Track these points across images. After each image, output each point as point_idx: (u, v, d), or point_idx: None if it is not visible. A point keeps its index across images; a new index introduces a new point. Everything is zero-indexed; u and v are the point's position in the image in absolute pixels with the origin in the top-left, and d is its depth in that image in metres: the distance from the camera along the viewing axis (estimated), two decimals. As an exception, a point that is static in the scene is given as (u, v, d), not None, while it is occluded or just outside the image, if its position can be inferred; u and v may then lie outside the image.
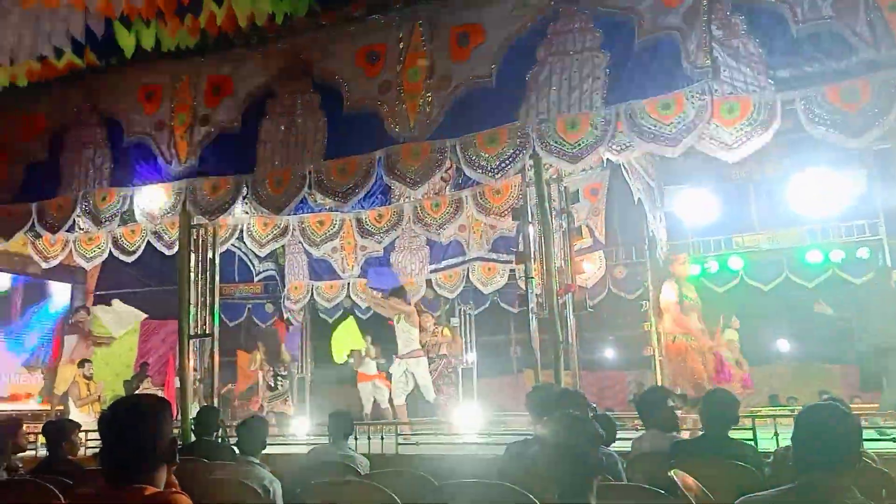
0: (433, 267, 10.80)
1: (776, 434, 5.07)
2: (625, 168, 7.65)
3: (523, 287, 6.62)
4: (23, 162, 7.26)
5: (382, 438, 6.08)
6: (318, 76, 6.26)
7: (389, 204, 9.09)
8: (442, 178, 7.78)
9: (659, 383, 8.14)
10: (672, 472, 2.94)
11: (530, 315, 5.84)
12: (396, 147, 5.87)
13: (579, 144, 5.33)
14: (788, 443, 2.46)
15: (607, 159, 7.05)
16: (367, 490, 3.31)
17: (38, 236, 8.42)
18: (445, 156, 5.77)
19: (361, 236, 9.54)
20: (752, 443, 4.77)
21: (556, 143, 5.39)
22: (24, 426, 5.10)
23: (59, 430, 4.62)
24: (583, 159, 5.45)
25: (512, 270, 10.14)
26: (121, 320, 11.81)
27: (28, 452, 5.80)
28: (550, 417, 2.34)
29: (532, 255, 5.90)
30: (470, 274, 10.69)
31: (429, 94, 5.82)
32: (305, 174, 6.16)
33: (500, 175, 5.68)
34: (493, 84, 5.63)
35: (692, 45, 5.01)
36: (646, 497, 2.97)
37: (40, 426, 5.87)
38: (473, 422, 7.81)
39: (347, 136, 6.07)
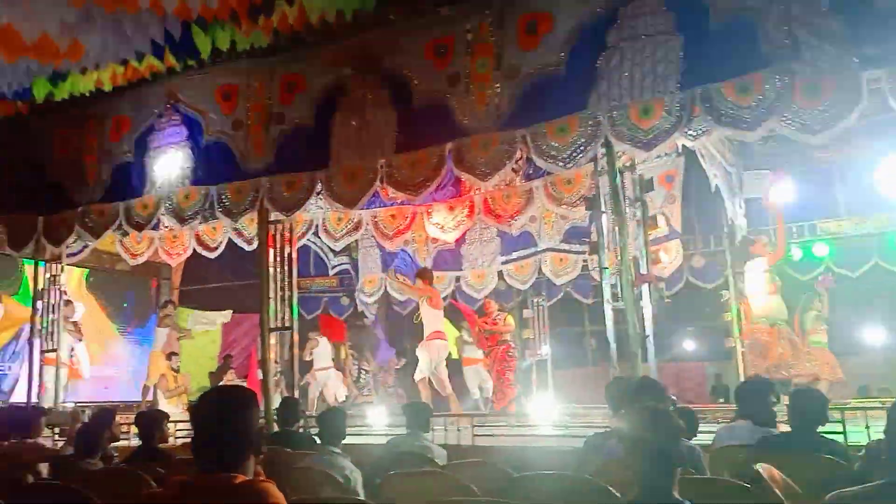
0: (504, 258, 10.77)
1: (867, 427, 4.86)
2: (701, 154, 7.45)
3: (597, 278, 6.53)
4: (111, 163, 7.60)
5: (458, 430, 6.12)
6: (388, 70, 6.32)
7: (460, 196, 9.12)
8: (512, 168, 7.73)
9: (741, 375, 7.91)
10: (757, 465, 2.86)
11: (605, 306, 5.75)
12: (466, 139, 5.88)
13: (653, 131, 5.23)
14: (881, 436, 2.35)
15: (682, 145, 6.88)
16: (445, 480, 3.34)
17: (126, 234, 8.82)
18: (515, 146, 5.74)
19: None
20: (841, 436, 4.58)
21: (628, 129, 5.29)
22: (117, 417, 5.35)
23: (151, 421, 4.79)
24: (657, 146, 5.33)
25: (585, 261, 10.02)
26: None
27: (121, 442, 6.08)
28: (629, 410, 2.31)
29: (606, 245, 5.81)
30: (542, 265, 10.62)
31: (497, 85, 5.80)
32: (377, 168, 6.24)
33: (571, 164, 5.61)
34: (562, 72, 5.57)
35: (770, 24, 4.83)
36: (729, 490, 2.90)
37: (132, 417, 6.15)
38: (549, 414, 7.75)
39: (417, 129, 6.11)
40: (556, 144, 5.58)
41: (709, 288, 10.02)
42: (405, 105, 6.18)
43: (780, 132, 5.06)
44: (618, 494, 2.56)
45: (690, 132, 5.58)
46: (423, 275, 8.95)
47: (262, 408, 6.33)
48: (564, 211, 8.79)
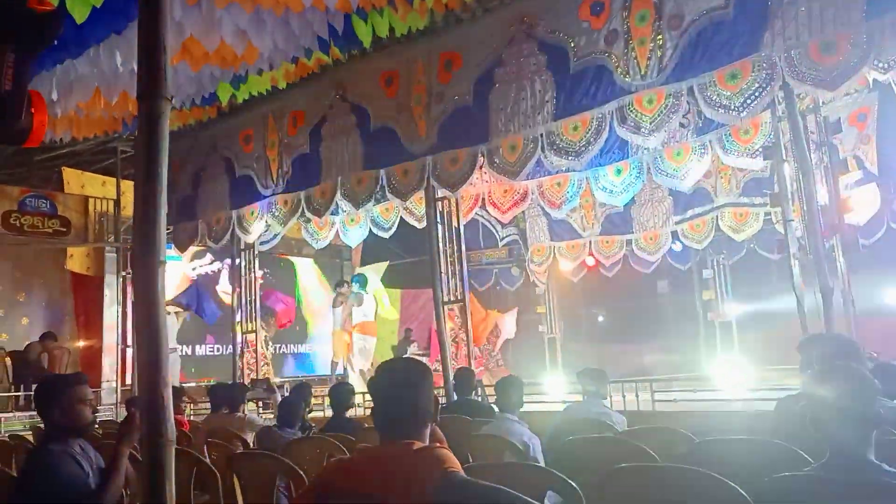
0: (678, 218, 10.35)
1: None
2: (897, 86, 6.67)
3: (782, 231, 6.11)
4: (292, 154, 8.15)
5: (637, 395, 6.00)
6: (543, 37, 6.24)
7: (627, 158, 8.82)
8: (680, 123, 7.37)
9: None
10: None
11: (792, 260, 5.38)
12: (628, 97, 5.68)
13: (838, 67, 4.78)
14: None
15: (874, 80, 6.20)
16: (625, 447, 3.29)
17: (309, 220, 9.44)
18: (682, 99, 5.48)
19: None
20: None
21: (809, 69, 4.88)
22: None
23: (341, 393, 5.13)
24: (843, 83, 4.87)
25: (767, 214, 9.40)
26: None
27: (316, 413, 6.58)
28: (821, 370, 2.15)
29: (790, 196, 5.41)
30: (719, 221, 10.09)
31: (659, 37, 5.55)
32: (538, 136, 6.20)
33: (745, 113, 5.27)
34: (730, 14, 5.22)
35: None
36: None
37: (325, 389, 6.63)
38: (735, 377, 7.39)
39: (577, 92, 5.98)
40: (728, 93, 5.27)
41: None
42: (563, 70, 6.07)
43: None
44: (809, 458, 2.40)
45: (881, 64, 5.01)
46: None
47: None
48: (742, 163, 8.27)
